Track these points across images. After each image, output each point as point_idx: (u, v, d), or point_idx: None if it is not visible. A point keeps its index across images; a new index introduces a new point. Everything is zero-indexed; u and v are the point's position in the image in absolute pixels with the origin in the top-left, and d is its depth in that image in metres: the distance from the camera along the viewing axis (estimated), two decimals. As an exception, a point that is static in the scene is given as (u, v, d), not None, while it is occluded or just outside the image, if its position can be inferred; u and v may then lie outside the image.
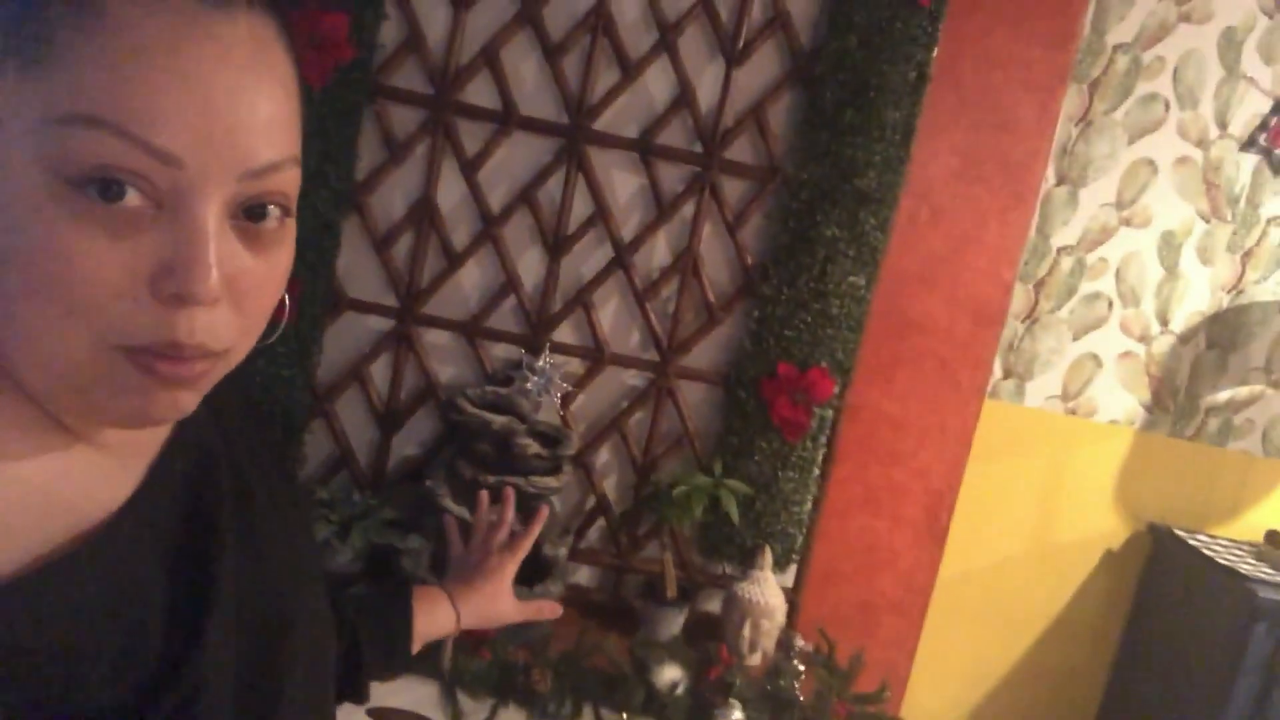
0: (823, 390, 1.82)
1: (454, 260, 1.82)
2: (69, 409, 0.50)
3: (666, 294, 1.86)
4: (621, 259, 1.82)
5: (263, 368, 1.75)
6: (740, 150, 1.82)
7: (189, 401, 0.50)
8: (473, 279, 1.85)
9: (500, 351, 1.87)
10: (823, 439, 1.86)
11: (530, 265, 1.85)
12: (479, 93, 1.79)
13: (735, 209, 1.83)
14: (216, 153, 0.46)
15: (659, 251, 1.85)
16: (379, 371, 1.85)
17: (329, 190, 1.73)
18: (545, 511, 1.08)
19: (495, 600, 0.99)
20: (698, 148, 1.81)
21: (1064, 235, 2.16)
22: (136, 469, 0.55)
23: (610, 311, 1.87)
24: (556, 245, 1.82)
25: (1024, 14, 1.84)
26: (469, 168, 1.80)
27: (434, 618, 0.93)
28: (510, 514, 1.05)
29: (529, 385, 1.79)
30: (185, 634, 0.52)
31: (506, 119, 1.78)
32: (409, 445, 1.89)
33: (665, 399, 1.87)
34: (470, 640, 1.59)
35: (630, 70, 1.78)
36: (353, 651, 0.85)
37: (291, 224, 0.52)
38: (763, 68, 1.80)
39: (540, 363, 1.80)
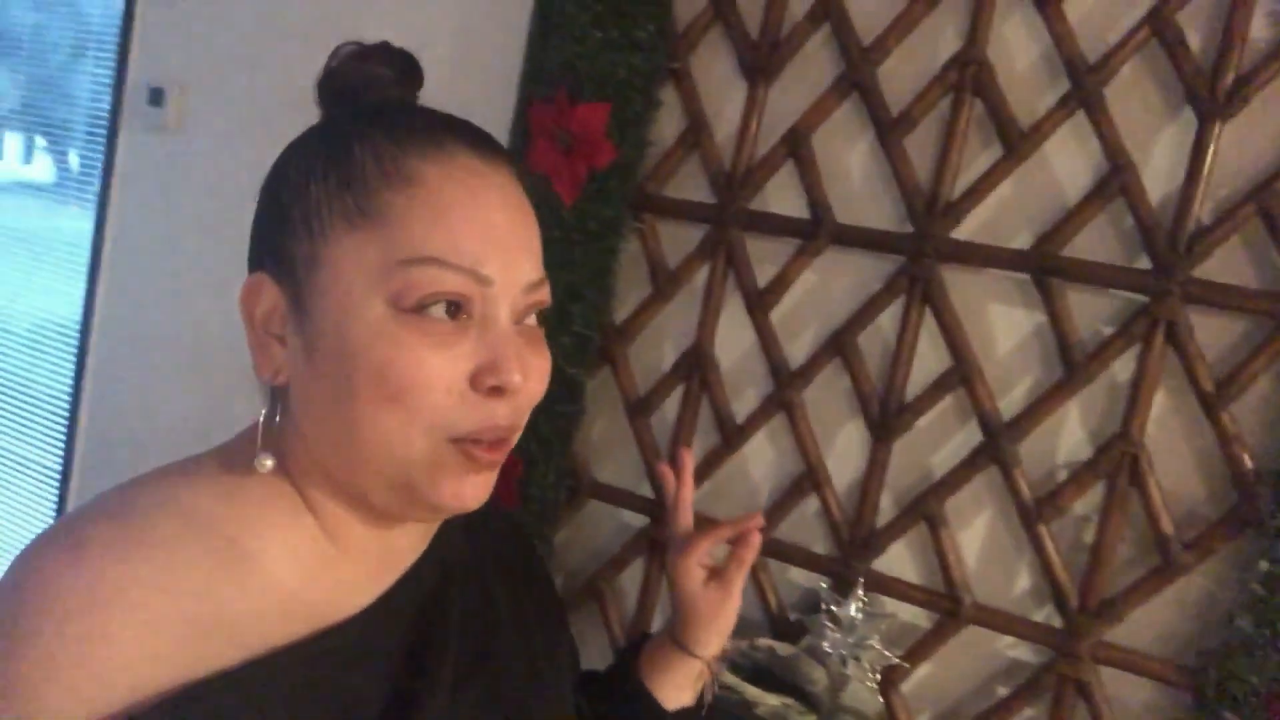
0: None
1: (731, 435, 1.24)
2: (390, 502, 0.59)
3: (1081, 510, 1.08)
4: (997, 447, 1.10)
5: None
6: (1227, 264, 1.02)
7: (489, 487, 0.60)
8: (760, 464, 1.25)
9: (795, 576, 1.22)
10: None
11: (845, 449, 1.20)
12: (779, 197, 1.24)
13: (1218, 368, 1.01)
14: (510, 273, 0.58)
15: (1068, 436, 1.09)
16: (631, 583, 1.31)
17: (572, 337, 1.28)
18: (757, 538, 0.80)
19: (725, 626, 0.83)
20: (1143, 263, 1.05)
21: None
22: (383, 582, 0.63)
23: (976, 533, 1.13)
24: (886, 419, 1.16)
25: None
26: (758, 304, 1.23)
27: (671, 676, 0.84)
28: (686, 495, 0.84)
29: (826, 644, 1.11)
30: None
31: (815, 231, 1.19)
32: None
33: (1072, 697, 1.05)
34: None
35: (1017, 142, 1.10)
36: None
37: (543, 335, 0.62)
38: (1272, 122, 1.01)
39: (850, 608, 1.12)
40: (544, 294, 0.61)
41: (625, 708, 0.83)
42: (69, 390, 1.94)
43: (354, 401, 0.55)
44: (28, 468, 2.16)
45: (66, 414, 1.94)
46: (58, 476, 1.97)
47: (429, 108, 0.62)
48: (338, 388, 0.56)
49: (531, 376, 0.59)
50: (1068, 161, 1.09)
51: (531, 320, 0.61)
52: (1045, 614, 1.08)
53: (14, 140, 2.39)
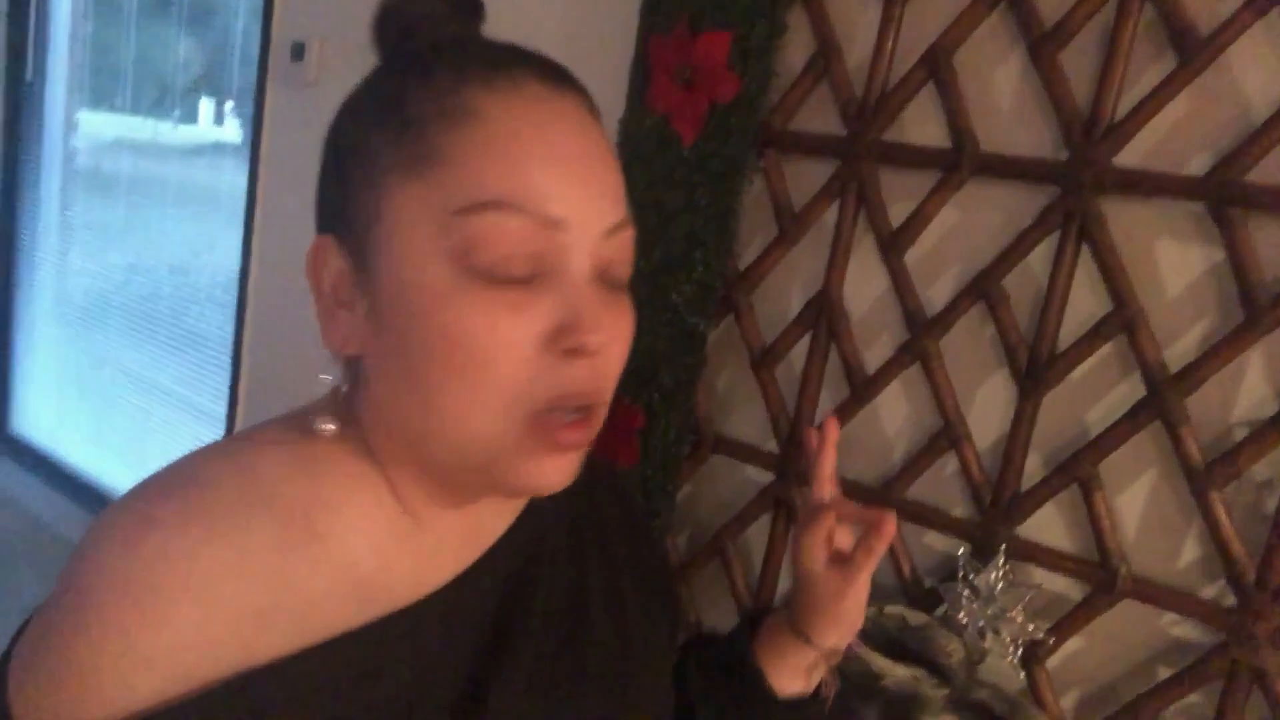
0: None
1: (861, 387, 1.16)
2: (469, 481, 0.56)
3: (1261, 475, 0.94)
4: (1162, 401, 0.97)
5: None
6: None
7: (573, 469, 0.55)
8: (894, 419, 1.16)
9: (931, 541, 1.14)
10: None
11: (988, 403, 1.09)
12: (917, 125, 1.13)
13: None
14: (586, 213, 0.51)
15: (1248, 390, 0.95)
16: (756, 541, 1.26)
17: (693, 284, 1.23)
18: (891, 529, 0.69)
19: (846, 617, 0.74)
20: (1349, 187, 0.89)
21: None
22: (466, 559, 0.60)
23: (1135, 497, 1.01)
24: (1035, 370, 1.05)
25: None
26: (892, 244, 1.13)
27: (784, 661, 0.76)
28: (827, 465, 0.75)
29: (963, 615, 1.03)
30: None
31: (956, 161, 1.08)
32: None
33: (1246, 686, 0.93)
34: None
35: (1195, 51, 0.95)
36: None
37: (628, 296, 0.56)
38: None
39: (990, 575, 1.03)
40: (626, 240, 0.54)
41: (735, 686, 0.77)
42: (233, 339, 2.05)
43: (424, 372, 0.51)
44: (200, 414, 2.32)
45: (231, 361, 2.06)
46: (225, 422, 2.10)
47: (492, 40, 0.56)
48: (407, 356, 0.52)
49: (615, 339, 0.53)
50: (1256, 71, 0.94)
51: (619, 282, 0.55)
52: (1215, 591, 0.96)
53: (205, 104, 2.52)
